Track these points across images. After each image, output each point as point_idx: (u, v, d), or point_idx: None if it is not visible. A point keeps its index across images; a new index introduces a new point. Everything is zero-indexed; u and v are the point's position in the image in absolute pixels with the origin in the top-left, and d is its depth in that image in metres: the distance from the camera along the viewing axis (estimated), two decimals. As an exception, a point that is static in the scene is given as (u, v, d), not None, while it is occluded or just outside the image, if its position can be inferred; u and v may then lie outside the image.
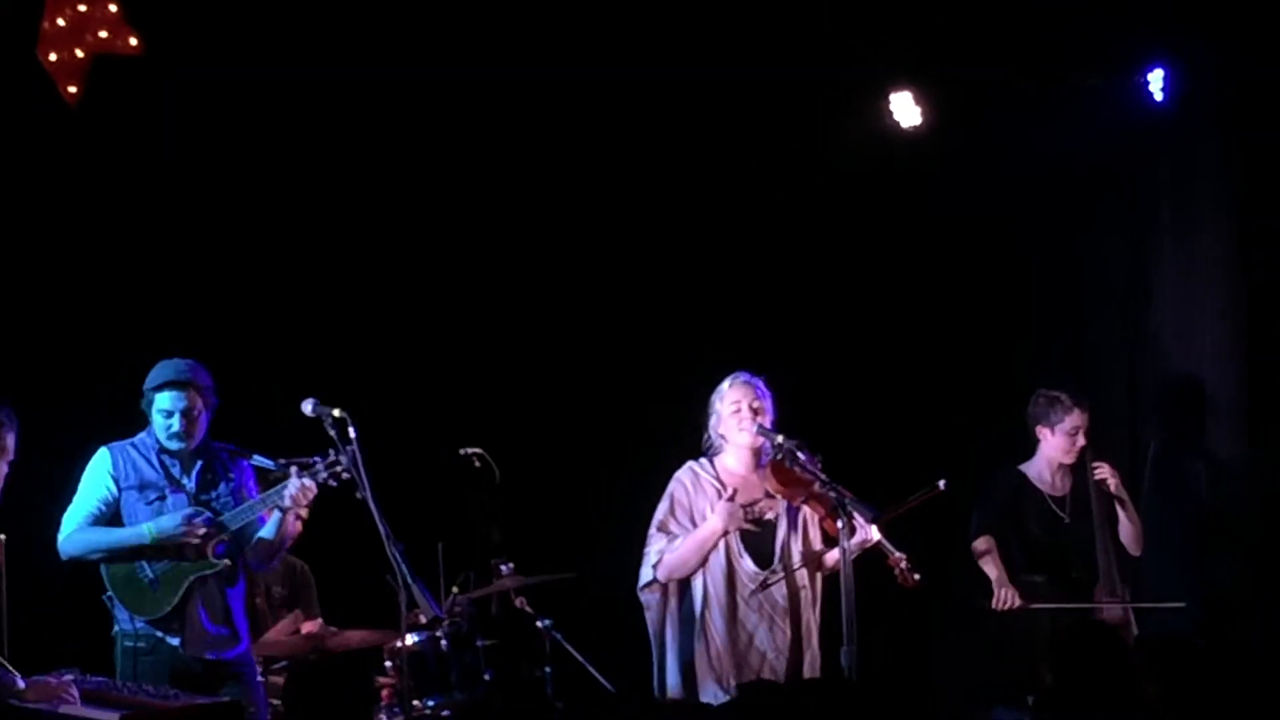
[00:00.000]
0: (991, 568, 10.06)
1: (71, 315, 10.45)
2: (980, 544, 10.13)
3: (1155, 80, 11.28)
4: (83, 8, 9.84)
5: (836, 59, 11.37)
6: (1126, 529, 10.22)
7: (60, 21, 9.81)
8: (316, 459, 8.61)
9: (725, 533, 8.93)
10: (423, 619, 9.20)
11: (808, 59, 11.34)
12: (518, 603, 9.89)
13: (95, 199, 10.48)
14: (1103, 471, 10.20)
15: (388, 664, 9.50)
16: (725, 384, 9.12)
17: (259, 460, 8.76)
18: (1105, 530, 10.18)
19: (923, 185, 11.66)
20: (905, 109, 11.27)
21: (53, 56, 9.83)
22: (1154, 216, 11.89)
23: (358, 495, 8.58)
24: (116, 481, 8.70)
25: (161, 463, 8.76)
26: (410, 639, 9.25)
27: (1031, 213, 11.94)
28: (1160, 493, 11.36)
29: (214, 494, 8.78)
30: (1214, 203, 11.70)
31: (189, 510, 8.64)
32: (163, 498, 8.69)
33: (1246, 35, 11.45)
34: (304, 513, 8.76)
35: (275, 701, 9.48)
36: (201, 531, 8.60)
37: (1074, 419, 10.14)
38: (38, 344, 10.30)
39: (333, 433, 8.59)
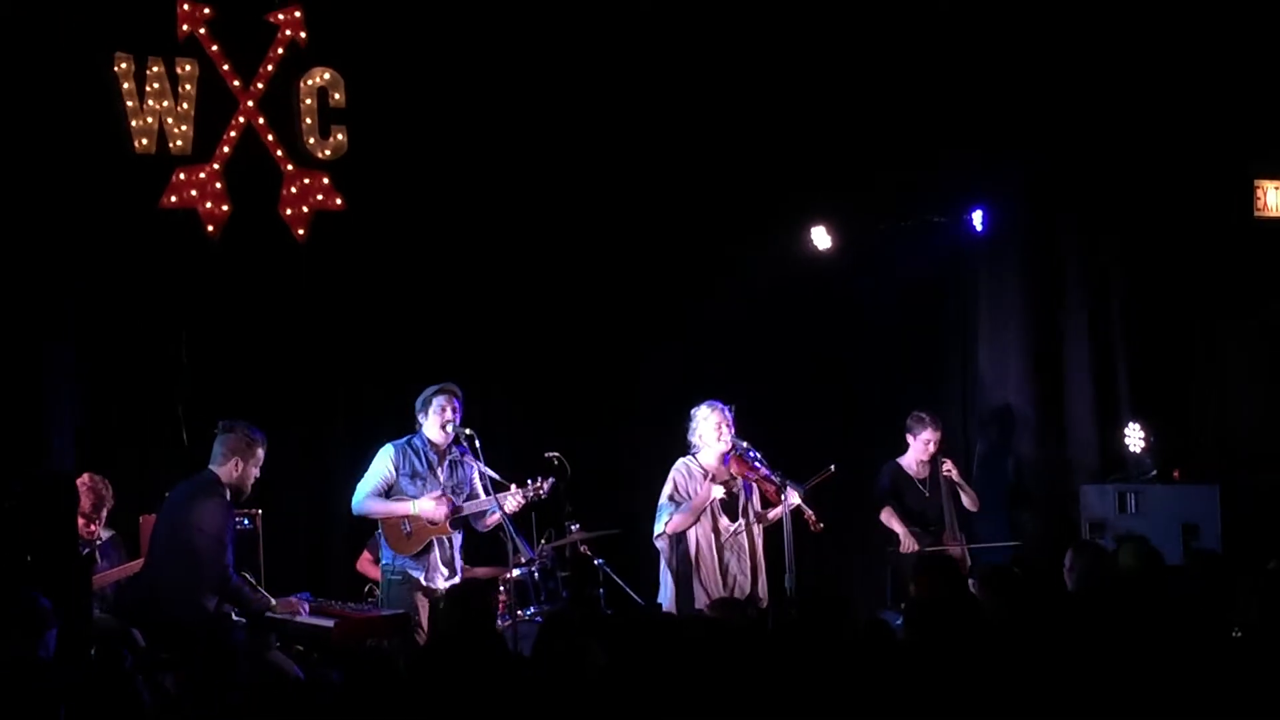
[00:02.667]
0: (898, 525, 10.20)
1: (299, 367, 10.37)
2: (884, 514, 10.26)
3: (977, 218, 11.29)
4: (307, 181, 10.11)
5: (781, 204, 11.25)
6: (966, 499, 10.40)
7: (293, 190, 10.10)
8: (528, 482, 8.82)
9: (710, 501, 9.15)
10: (523, 560, 9.09)
11: (764, 204, 11.22)
12: (582, 549, 9.76)
13: (312, 291, 10.34)
14: (947, 464, 10.39)
15: (501, 588, 9.31)
16: (705, 408, 9.24)
17: (490, 474, 8.84)
18: (949, 501, 10.33)
19: (835, 285, 11.50)
20: (820, 237, 11.20)
21: (289, 212, 10.11)
22: (976, 304, 11.91)
23: (481, 483, 8.86)
24: (396, 469, 8.77)
25: (426, 457, 8.84)
26: (515, 572, 9.18)
27: (900, 302, 11.71)
28: (984, 478, 11.36)
29: (454, 483, 8.88)
30: (1013, 296, 11.80)
31: (441, 500, 8.72)
32: (425, 482, 8.79)
33: (1034, 189, 11.60)
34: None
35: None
36: (445, 515, 8.72)
37: (926, 434, 10.32)
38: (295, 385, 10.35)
39: (465, 443, 8.80)
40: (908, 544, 10.17)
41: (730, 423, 9.21)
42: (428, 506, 8.74)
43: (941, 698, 5.74)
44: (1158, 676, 5.92)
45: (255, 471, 8.17)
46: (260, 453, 8.18)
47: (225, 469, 8.07)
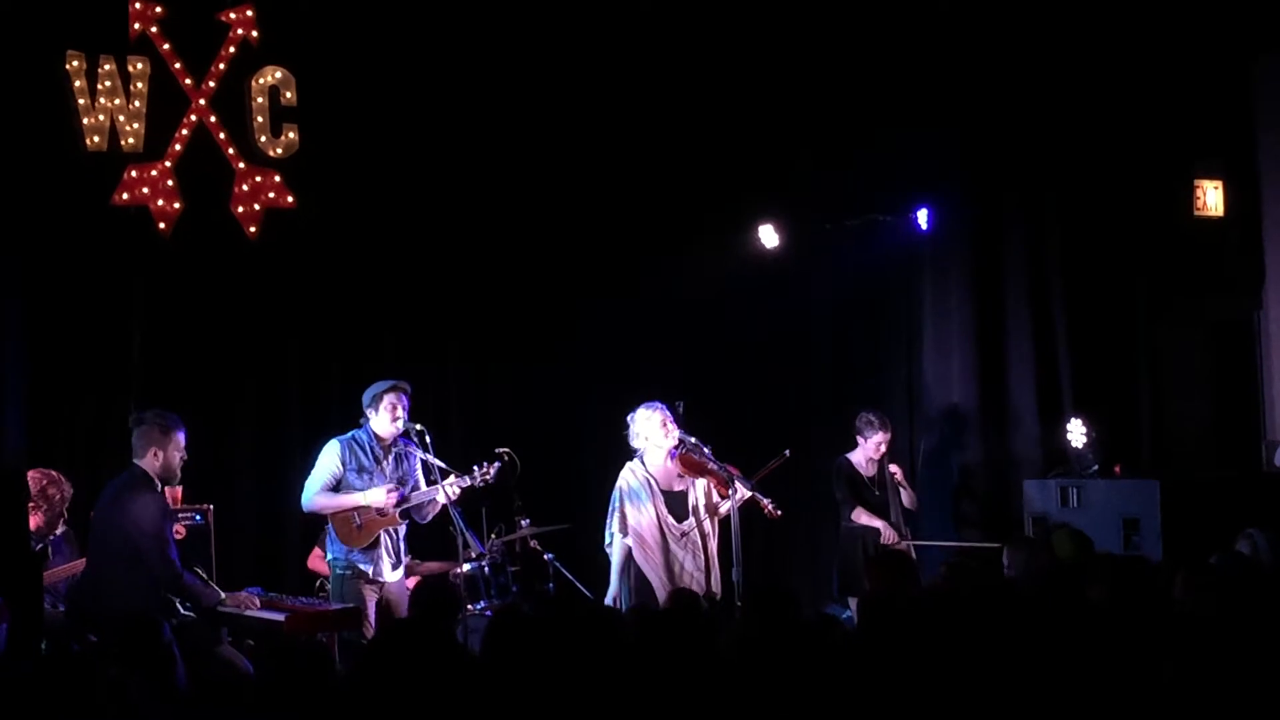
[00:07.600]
0: (878, 523, 10.12)
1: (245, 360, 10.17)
2: (859, 514, 10.16)
3: (922, 217, 11.17)
4: (258, 179, 10.03)
5: (731, 203, 11.20)
6: (906, 498, 10.40)
7: (245, 188, 10.01)
8: (474, 468, 8.73)
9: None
10: (473, 554, 9.05)
11: (714, 203, 11.16)
12: (532, 544, 9.77)
13: (263, 288, 10.19)
14: (894, 468, 10.42)
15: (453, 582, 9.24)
16: (645, 410, 9.10)
17: (437, 462, 8.72)
18: (895, 499, 10.32)
19: (782, 282, 11.38)
20: (768, 235, 11.10)
21: (240, 209, 10.01)
22: (920, 302, 11.88)
23: (430, 477, 8.79)
24: (343, 464, 8.68)
25: (372, 451, 8.74)
26: (466, 567, 9.22)
27: (847, 299, 11.73)
28: (929, 474, 11.42)
29: (399, 475, 8.77)
30: (957, 294, 11.74)
31: (392, 491, 8.63)
32: (372, 476, 8.69)
33: (978, 188, 11.62)
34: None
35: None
36: (394, 504, 8.64)
37: (878, 437, 10.29)
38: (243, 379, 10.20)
39: (415, 439, 8.71)
40: (890, 537, 10.11)
41: (672, 419, 9.08)
42: (378, 496, 8.65)
43: (894, 689, 5.61)
44: (1114, 663, 5.86)
45: (178, 455, 7.97)
46: (179, 436, 7.96)
47: (147, 460, 7.90)
